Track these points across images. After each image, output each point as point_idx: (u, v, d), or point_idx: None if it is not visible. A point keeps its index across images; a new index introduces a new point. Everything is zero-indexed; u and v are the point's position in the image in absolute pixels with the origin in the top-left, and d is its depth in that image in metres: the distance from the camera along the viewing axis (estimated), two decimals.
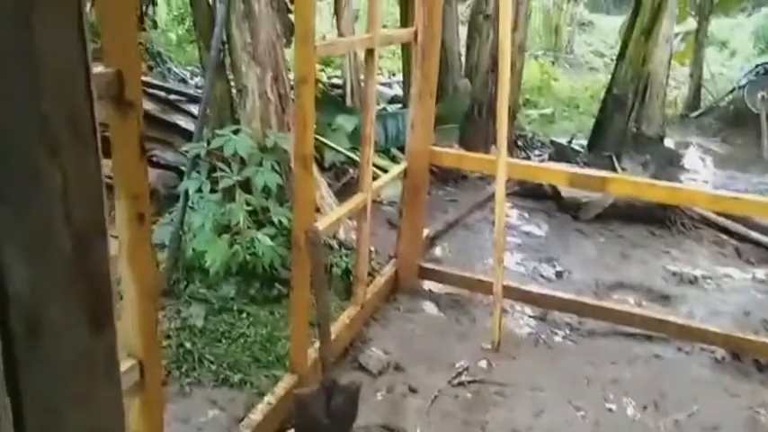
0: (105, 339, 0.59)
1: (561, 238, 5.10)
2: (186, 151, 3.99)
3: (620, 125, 7.00)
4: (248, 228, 3.64)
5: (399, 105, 7.33)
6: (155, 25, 10.13)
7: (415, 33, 3.49)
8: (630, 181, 3.84)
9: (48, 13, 0.48)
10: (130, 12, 1.55)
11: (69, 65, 0.52)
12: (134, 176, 1.58)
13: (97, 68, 1.58)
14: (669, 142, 8.40)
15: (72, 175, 0.51)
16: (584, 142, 7.40)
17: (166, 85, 5.81)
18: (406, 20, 6.70)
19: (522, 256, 4.76)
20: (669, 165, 7.24)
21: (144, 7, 10.49)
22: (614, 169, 6.39)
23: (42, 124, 0.50)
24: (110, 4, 1.49)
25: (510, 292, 3.68)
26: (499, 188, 3.47)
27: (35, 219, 0.49)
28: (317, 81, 7.40)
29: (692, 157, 8.02)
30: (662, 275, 4.52)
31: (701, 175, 7.33)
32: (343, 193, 4.90)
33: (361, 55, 4.76)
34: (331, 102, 6.96)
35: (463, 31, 7.46)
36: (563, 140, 7.62)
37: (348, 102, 6.99)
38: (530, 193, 5.76)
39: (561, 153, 7.01)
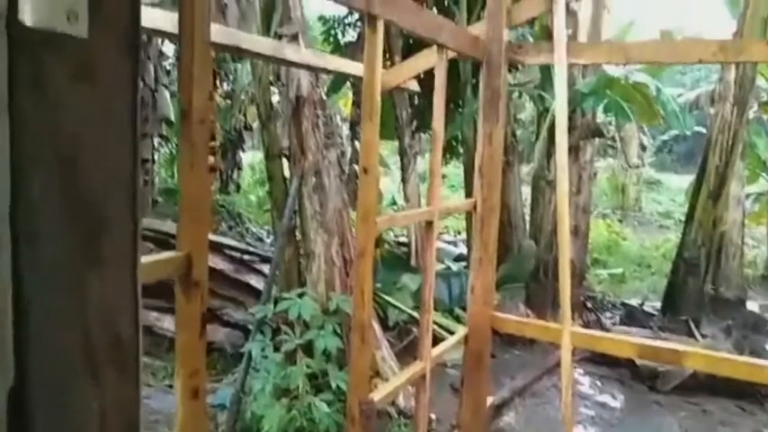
0: None
1: (638, 412, 4.74)
2: (254, 313, 4.13)
3: (694, 288, 6.74)
4: (307, 392, 3.62)
5: (464, 264, 7.41)
6: (238, 188, 10.97)
7: (474, 204, 3.62)
8: (706, 354, 3.61)
9: (106, 270, 0.57)
10: (205, 204, 1.72)
11: (120, 304, 0.59)
12: (193, 354, 1.66)
13: (169, 253, 1.74)
14: (752, 305, 7.94)
15: (110, 404, 0.56)
16: (658, 305, 7.11)
17: (241, 245, 6.17)
18: (469, 183, 6.98)
19: (596, 431, 4.43)
20: (753, 331, 6.78)
21: (230, 171, 11.49)
22: (692, 335, 6.05)
23: (88, 355, 0.57)
24: (189, 197, 1.67)
25: None
26: (565, 359, 3.35)
27: None
28: (384, 241, 7.65)
29: None
30: None
31: None
32: (405, 354, 4.84)
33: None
34: (396, 260, 7.13)
35: (527, 191, 7.67)
36: (635, 302, 7.37)
37: (413, 261, 7.13)
38: (602, 359, 5.48)
39: (633, 316, 6.74)
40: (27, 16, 0.55)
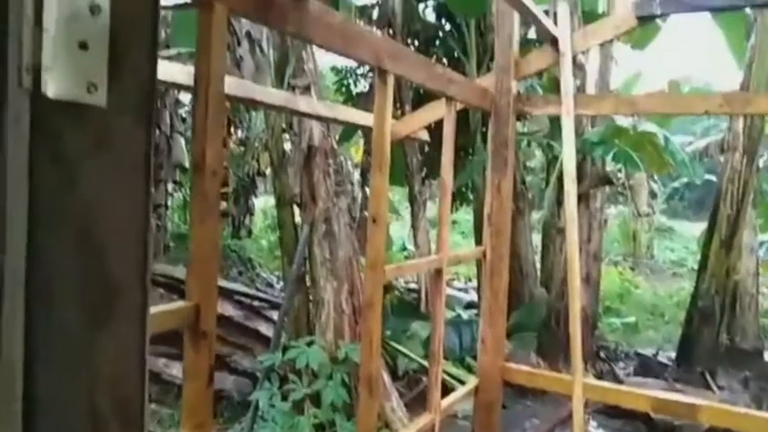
0: None
1: None
2: (262, 360, 4.10)
3: (710, 338, 6.62)
4: None
5: (475, 311, 7.34)
6: (249, 233, 11.04)
7: (484, 253, 3.62)
8: (724, 409, 3.52)
9: (115, 332, 0.59)
10: (215, 255, 1.74)
11: (128, 366, 0.61)
12: (200, 405, 1.65)
13: (177, 303, 1.75)
14: None
15: None
16: (673, 355, 6.98)
17: (251, 291, 6.17)
18: (479, 230, 6.99)
19: None
20: None
21: (242, 216, 11.58)
22: (708, 387, 5.91)
23: (93, 416, 0.58)
24: (199, 248, 1.70)
25: None
26: (577, 411, 3.28)
27: None
28: (394, 287, 7.62)
29: None
30: None
31: None
32: (415, 404, 4.76)
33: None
34: (406, 307, 7.08)
35: (537, 238, 7.66)
36: (649, 352, 7.23)
37: (423, 308, 7.08)
38: (617, 411, 5.35)
39: (647, 367, 6.61)
40: (50, 89, 0.58)
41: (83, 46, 0.61)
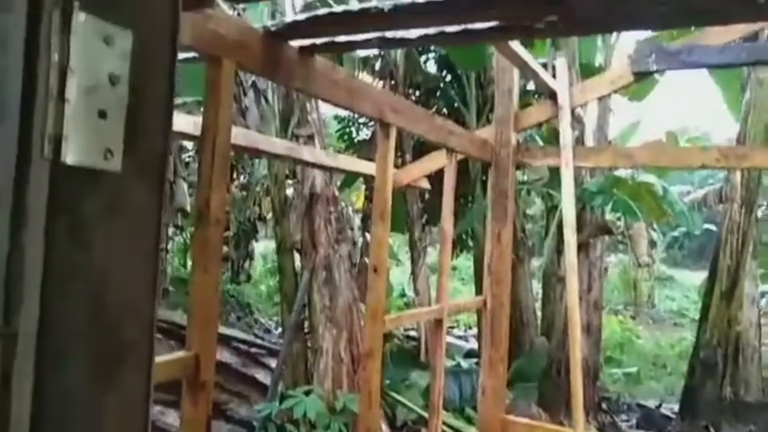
0: None
1: None
2: (259, 410, 4.04)
3: (713, 391, 6.53)
4: None
5: (475, 360, 7.25)
6: (248, 278, 11.01)
7: (485, 302, 3.62)
8: None
9: (121, 393, 0.60)
10: (216, 306, 1.75)
11: (131, 422, 0.61)
12: None
13: (177, 353, 1.75)
14: None
15: None
16: (675, 407, 6.87)
17: (249, 338, 6.12)
18: (479, 277, 6.97)
19: None
20: None
21: (241, 261, 11.56)
22: None
23: None
24: (200, 298, 1.71)
25: None
26: None
27: None
28: (393, 335, 7.55)
29: None
30: None
31: None
32: None
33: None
34: (405, 355, 7.00)
35: (538, 285, 7.63)
36: (651, 404, 7.12)
37: (423, 356, 7.00)
38: None
39: (650, 419, 6.51)
40: (69, 157, 0.61)
41: (102, 114, 0.64)
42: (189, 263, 10.46)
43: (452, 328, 10.76)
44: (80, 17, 0.61)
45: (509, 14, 1.72)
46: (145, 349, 0.62)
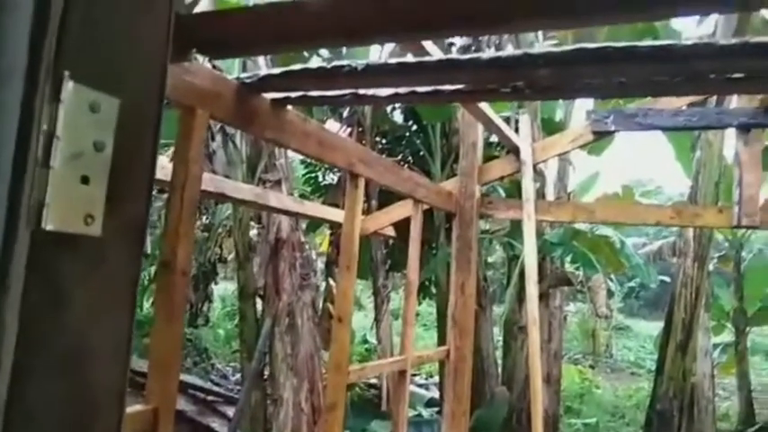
0: None
1: None
2: None
3: None
4: None
5: (436, 410, 7.18)
6: (206, 321, 10.75)
7: (448, 353, 3.62)
8: None
9: None
10: (177, 359, 1.72)
11: None
12: None
13: (136, 407, 1.70)
14: None
15: None
16: None
17: (206, 385, 5.95)
18: (442, 324, 6.97)
19: None
20: None
21: (200, 304, 11.29)
22: None
23: None
24: (161, 351, 1.67)
25: None
26: None
27: None
28: (354, 384, 7.44)
29: None
30: None
31: None
32: None
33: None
34: (366, 405, 6.91)
35: (499, 335, 7.65)
36: None
37: (384, 406, 6.91)
38: None
39: None
40: (49, 223, 0.61)
41: (84, 180, 0.64)
42: (146, 304, 10.17)
43: (414, 375, 10.66)
44: (69, 86, 0.62)
45: (477, 78, 1.79)
46: (116, 405, 0.61)
